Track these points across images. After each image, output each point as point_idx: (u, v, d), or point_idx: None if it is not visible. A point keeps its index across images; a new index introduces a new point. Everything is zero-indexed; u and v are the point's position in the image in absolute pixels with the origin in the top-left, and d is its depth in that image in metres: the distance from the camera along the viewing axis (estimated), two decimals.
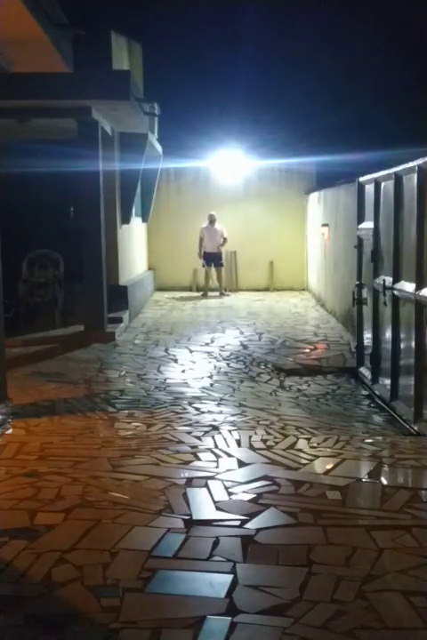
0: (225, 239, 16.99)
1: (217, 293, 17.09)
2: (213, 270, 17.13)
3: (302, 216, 18.07)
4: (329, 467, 5.16)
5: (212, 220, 16.80)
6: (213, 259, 17.00)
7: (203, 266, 17.11)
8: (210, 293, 17.01)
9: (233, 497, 4.55)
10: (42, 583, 3.47)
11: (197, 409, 6.95)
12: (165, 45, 20.71)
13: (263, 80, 22.27)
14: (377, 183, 8.12)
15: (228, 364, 9.26)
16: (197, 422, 6.40)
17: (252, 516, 4.24)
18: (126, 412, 6.84)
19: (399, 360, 7.27)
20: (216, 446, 5.61)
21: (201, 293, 17.14)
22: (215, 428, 6.19)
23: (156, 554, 3.77)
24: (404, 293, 6.96)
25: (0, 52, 7.74)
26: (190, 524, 4.13)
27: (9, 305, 9.34)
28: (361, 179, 8.97)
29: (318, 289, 15.95)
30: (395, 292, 7.25)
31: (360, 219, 8.96)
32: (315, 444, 5.71)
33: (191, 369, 9.01)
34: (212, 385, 8.12)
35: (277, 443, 5.72)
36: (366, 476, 5.03)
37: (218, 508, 4.36)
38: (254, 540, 3.93)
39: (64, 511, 4.29)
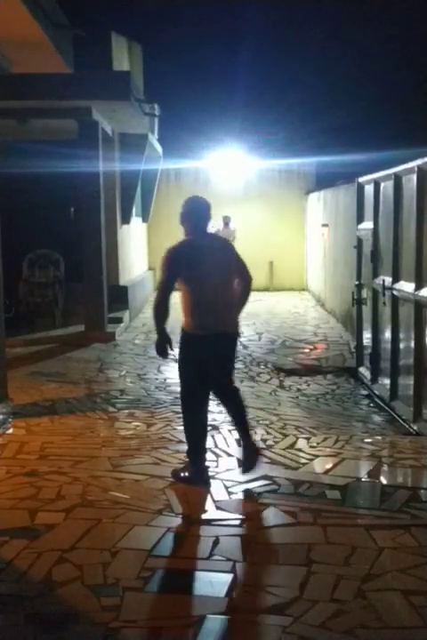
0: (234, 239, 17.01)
1: None
2: None
3: (302, 216, 18.08)
4: (329, 466, 5.17)
5: (226, 222, 16.77)
6: None
7: None
8: None
9: (233, 496, 4.56)
10: (42, 582, 3.49)
11: None
12: (165, 45, 20.72)
13: (263, 81, 22.28)
14: (377, 183, 8.13)
15: None
16: None
17: (252, 515, 4.26)
18: (127, 411, 6.85)
19: (399, 360, 7.28)
20: (216, 446, 5.63)
21: None
22: (215, 427, 6.20)
23: (156, 553, 3.78)
24: (403, 293, 6.97)
25: (1, 52, 7.75)
26: (190, 523, 4.15)
27: (10, 305, 9.35)
28: (361, 179, 8.98)
29: (318, 289, 15.96)
30: (394, 293, 7.27)
31: (360, 219, 8.97)
32: (314, 444, 5.72)
33: None
34: None
35: (276, 442, 5.74)
36: (366, 476, 5.04)
37: (218, 508, 4.37)
38: (254, 540, 3.95)
39: (64, 510, 4.30)
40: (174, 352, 4.88)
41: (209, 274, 4.70)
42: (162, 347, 4.79)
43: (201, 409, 4.89)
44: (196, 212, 4.90)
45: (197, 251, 4.76)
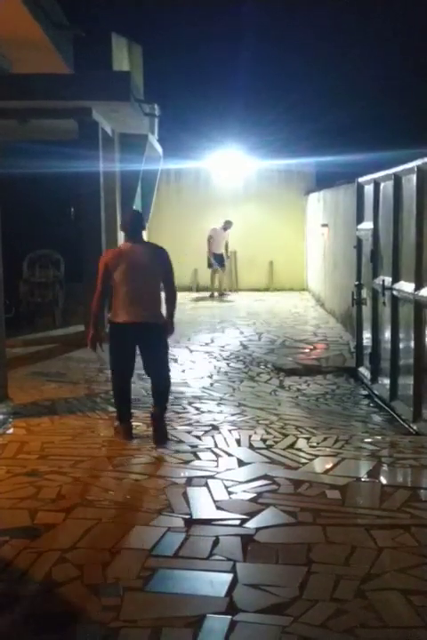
0: (227, 243, 17.25)
1: (218, 293, 17.12)
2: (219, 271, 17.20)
3: (302, 216, 18.08)
4: (329, 466, 5.17)
5: (226, 228, 16.94)
6: (220, 259, 17.09)
7: (212, 267, 17.06)
8: (215, 294, 17.02)
9: (233, 496, 4.57)
10: (42, 582, 3.49)
11: (197, 408, 6.97)
12: (166, 46, 20.70)
13: (263, 81, 22.27)
14: (376, 184, 8.13)
15: (228, 364, 9.27)
16: (197, 422, 6.42)
17: (251, 515, 4.26)
18: None
19: (399, 360, 7.28)
20: (216, 446, 5.63)
21: (209, 294, 17.09)
22: (215, 427, 6.21)
23: (156, 553, 3.79)
24: (403, 293, 6.98)
25: (1, 52, 7.74)
26: (190, 523, 4.15)
27: (10, 305, 9.35)
28: (360, 179, 8.98)
29: (318, 289, 15.96)
30: (394, 293, 7.27)
31: (360, 219, 8.97)
32: (314, 444, 5.72)
33: (191, 369, 9.02)
34: (212, 384, 8.14)
35: (276, 442, 5.74)
36: (366, 476, 5.04)
37: (218, 508, 4.38)
38: (254, 539, 3.95)
39: (65, 510, 4.30)
40: (104, 347, 5.84)
41: (129, 273, 5.63)
42: (93, 340, 5.77)
43: (123, 382, 5.88)
44: (127, 223, 5.92)
45: (122, 253, 5.75)
